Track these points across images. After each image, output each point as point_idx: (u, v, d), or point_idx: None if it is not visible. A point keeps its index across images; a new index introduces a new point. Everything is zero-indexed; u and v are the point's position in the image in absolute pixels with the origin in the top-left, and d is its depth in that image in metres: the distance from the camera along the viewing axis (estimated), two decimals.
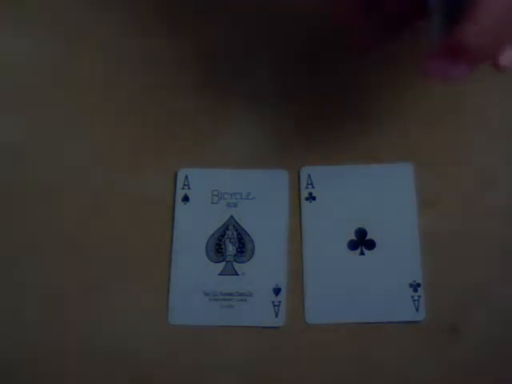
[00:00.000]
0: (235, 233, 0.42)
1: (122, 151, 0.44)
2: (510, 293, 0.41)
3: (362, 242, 0.42)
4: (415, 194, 0.42)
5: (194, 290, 0.41)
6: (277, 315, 0.40)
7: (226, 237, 0.42)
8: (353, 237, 0.42)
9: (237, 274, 0.41)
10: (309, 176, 0.43)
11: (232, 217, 0.43)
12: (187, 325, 0.41)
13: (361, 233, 0.42)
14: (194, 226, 0.43)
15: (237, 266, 0.42)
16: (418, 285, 0.41)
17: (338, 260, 0.41)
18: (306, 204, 0.43)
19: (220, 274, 0.42)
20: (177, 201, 0.43)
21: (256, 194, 0.43)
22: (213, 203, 0.43)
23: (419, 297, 0.40)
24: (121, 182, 0.44)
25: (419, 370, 0.39)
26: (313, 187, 0.43)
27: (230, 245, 0.42)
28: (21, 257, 0.42)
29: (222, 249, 0.42)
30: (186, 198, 0.43)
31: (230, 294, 0.41)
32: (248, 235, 0.42)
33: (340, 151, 0.44)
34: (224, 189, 0.43)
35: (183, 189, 0.43)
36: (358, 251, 0.42)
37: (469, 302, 0.40)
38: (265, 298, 0.41)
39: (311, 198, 0.43)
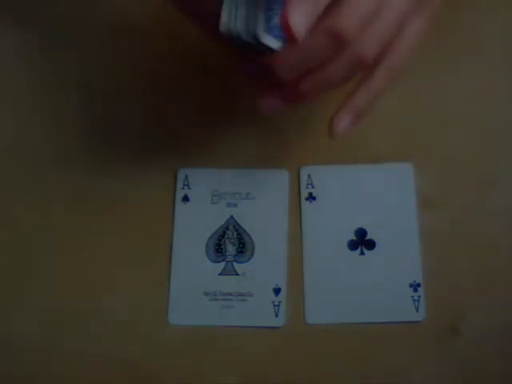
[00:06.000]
0: (235, 233, 0.42)
1: (122, 151, 0.44)
2: (509, 293, 0.41)
3: (362, 242, 0.42)
4: (415, 194, 0.42)
5: (194, 289, 0.41)
6: (277, 315, 0.40)
7: (226, 237, 0.42)
8: (353, 237, 0.42)
9: (237, 274, 0.41)
10: (309, 176, 0.43)
11: (232, 217, 0.43)
12: (187, 325, 0.41)
13: (361, 233, 0.42)
14: (194, 226, 0.43)
15: (237, 266, 0.42)
16: (418, 285, 0.41)
17: (338, 260, 0.41)
18: (306, 204, 0.43)
19: (220, 274, 0.42)
20: (177, 201, 0.43)
21: (256, 194, 0.43)
22: (213, 203, 0.43)
23: (419, 297, 0.40)
24: (121, 181, 0.44)
25: (419, 369, 0.39)
26: (313, 187, 0.43)
27: (230, 245, 0.42)
28: (19, 257, 0.42)
29: (221, 249, 0.42)
30: (185, 198, 0.43)
31: (230, 294, 0.41)
32: (248, 235, 0.42)
33: (340, 151, 0.44)
34: (224, 189, 0.43)
35: (183, 189, 0.43)
36: (358, 251, 0.42)
37: (469, 302, 0.40)
38: (265, 297, 0.41)
39: (311, 198, 0.43)
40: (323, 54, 0.31)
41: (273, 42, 0.31)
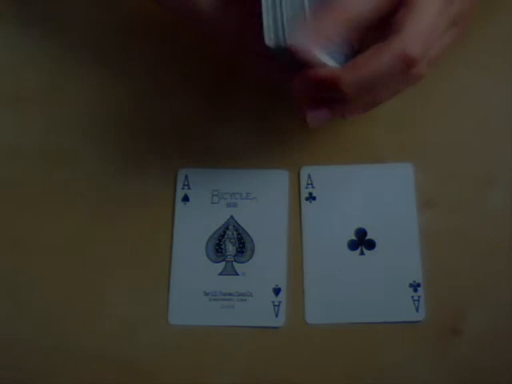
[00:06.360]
0: (235, 233, 0.42)
1: (122, 151, 0.44)
2: (509, 293, 0.41)
3: (362, 242, 0.42)
4: (415, 194, 0.42)
5: (194, 290, 0.41)
6: (277, 315, 0.40)
7: (225, 237, 0.42)
8: (353, 237, 0.42)
9: (237, 274, 0.41)
10: (309, 176, 0.43)
11: (232, 217, 0.43)
12: (187, 325, 0.41)
13: (361, 233, 0.42)
14: (194, 225, 0.43)
15: (237, 266, 0.42)
16: (418, 285, 0.41)
17: (338, 260, 0.41)
18: (306, 204, 0.43)
19: (220, 274, 0.42)
20: (177, 201, 0.43)
21: (256, 194, 0.43)
22: (213, 203, 0.43)
23: (419, 297, 0.40)
24: (121, 181, 0.44)
25: (419, 370, 0.39)
26: (313, 187, 0.43)
27: (230, 245, 0.42)
28: (20, 257, 0.42)
29: (222, 249, 0.42)
30: (186, 198, 0.43)
31: (230, 294, 0.41)
32: (248, 235, 0.42)
33: (340, 151, 0.44)
34: (224, 189, 0.43)
35: (183, 189, 0.43)
36: (358, 251, 0.42)
37: (469, 302, 0.40)
38: (265, 297, 0.41)
39: (311, 198, 0.43)
40: (391, 74, 0.32)
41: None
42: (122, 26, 0.48)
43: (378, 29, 0.32)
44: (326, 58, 0.32)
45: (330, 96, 0.34)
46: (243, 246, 0.42)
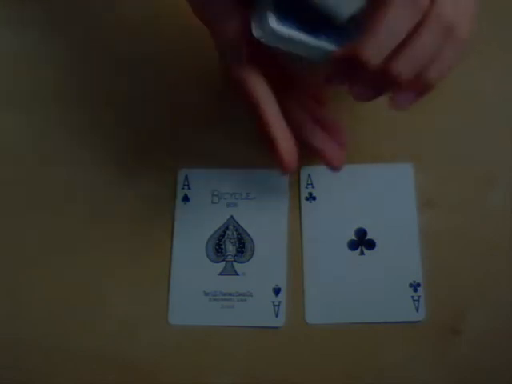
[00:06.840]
0: (235, 233, 0.42)
1: (122, 151, 0.44)
2: (509, 293, 0.41)
3: (362, 242, 0.42)
4: (415, 194, 0.42)
5: (194, 289, 0.41)
6: (277, 315, 0.40)
7: (225, 237, 0.42)
8: (353, 237, 0.42)
9: (237, 274, 0.41)
10: (309, 176, 0.43)
11: (232, 217, 0.43)
12: (187, 325, 0.41)
13: (361, 233, 0.42)
14: (194, 226, 0.43)
15: (237, 266, 0.42)
16: (418, 285, 0.41)
17: (338, 260, 0.41)
18: (306, 204, 0.43)
19: (220, 274, 0.42)
20: (177, 201, 0.43)
21: (256, 194, 0.43)
22: (213, 203, 0.43)
23: (419, 297, 0.40)
24: (121, 182, 0.44)
25: (419, 370, 0.39)
26: (313, 187, 0.43)
27: (230, 245, 0.42)
28: (19, 257, 0.42)
29: (222, 249, 0.42)
30: (185, 198, 0.43)
31: (230, 294, 0.41)
32: (248, 235, 0.42)
33: None
34: (224, 189, 0.43)
35: (183, 189, 0.43)
36: (358, 251, 0.42)
37: (469, 302, 0.40)
38: (265, 297, 0.41)
39: (311, 197, 0.43)
40: (405, 23, 0.29)
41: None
42: (122, 26, 0.48)
43: None
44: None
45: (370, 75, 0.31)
46: (243, 246, 0.42)
